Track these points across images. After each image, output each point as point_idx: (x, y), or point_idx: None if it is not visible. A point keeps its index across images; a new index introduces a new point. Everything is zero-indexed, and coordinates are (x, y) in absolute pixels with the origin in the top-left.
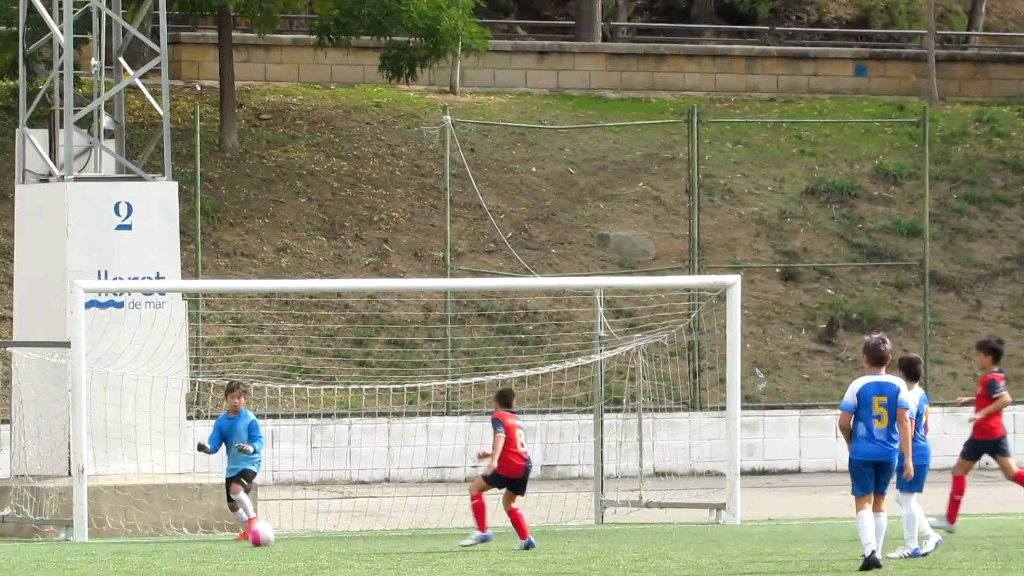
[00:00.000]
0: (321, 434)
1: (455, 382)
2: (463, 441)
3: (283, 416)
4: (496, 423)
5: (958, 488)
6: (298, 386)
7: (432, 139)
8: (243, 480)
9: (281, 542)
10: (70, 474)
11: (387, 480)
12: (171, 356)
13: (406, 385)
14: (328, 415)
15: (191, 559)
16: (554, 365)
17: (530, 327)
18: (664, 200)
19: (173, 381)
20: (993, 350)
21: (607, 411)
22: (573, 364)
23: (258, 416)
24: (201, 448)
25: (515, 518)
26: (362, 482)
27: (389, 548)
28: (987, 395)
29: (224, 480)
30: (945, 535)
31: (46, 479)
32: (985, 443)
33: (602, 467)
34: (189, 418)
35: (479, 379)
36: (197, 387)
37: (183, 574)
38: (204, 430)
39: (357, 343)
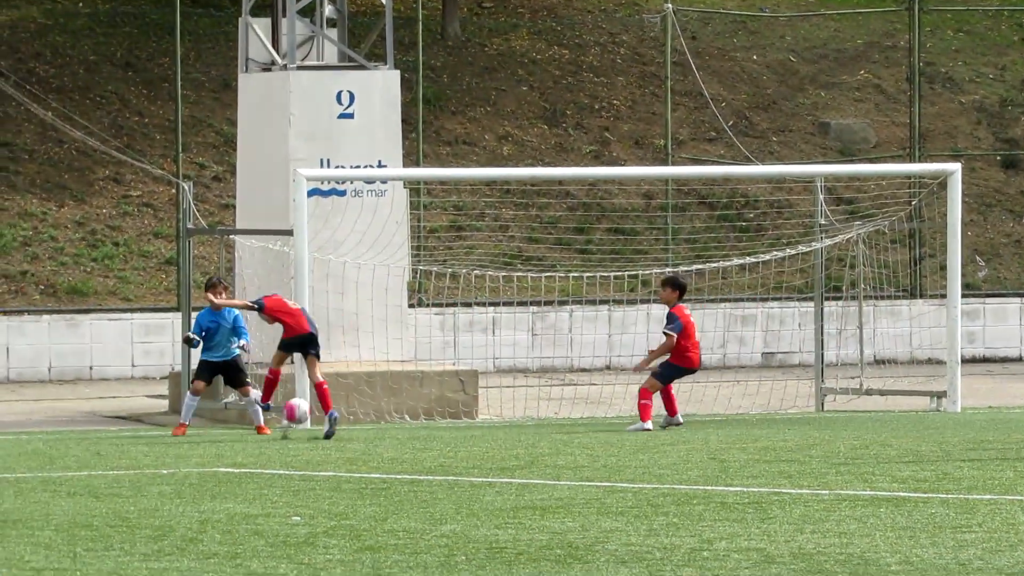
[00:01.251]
0: (542, 322)
1: (675, 270)
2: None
3: (504, 304)
4: (673, 319)
5: None
6: (519, 274)
7: (653, 27)
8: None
9: (502, 429)
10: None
11: (608, 368)
12: (392, 244)
13: (627, 272)
14: (549, 303)
15: (412, 446)
16: (775, 253)
17: (750, 215)
18: (885, 88)
19: (394, 269)
20: None
21: (827, 299)
22: (793, 252)
23: (479, 304)
24: (188, 341)
25: (671, 398)
26: (583, 369)
27: (610, 436)
28: None
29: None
30: None
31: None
32: None
33: (822, 355)
34: (411, 306)
35: (699, 267)
36: (418, 275)
37: (404, 461)
38: (425, 318)
39: (578, 231)
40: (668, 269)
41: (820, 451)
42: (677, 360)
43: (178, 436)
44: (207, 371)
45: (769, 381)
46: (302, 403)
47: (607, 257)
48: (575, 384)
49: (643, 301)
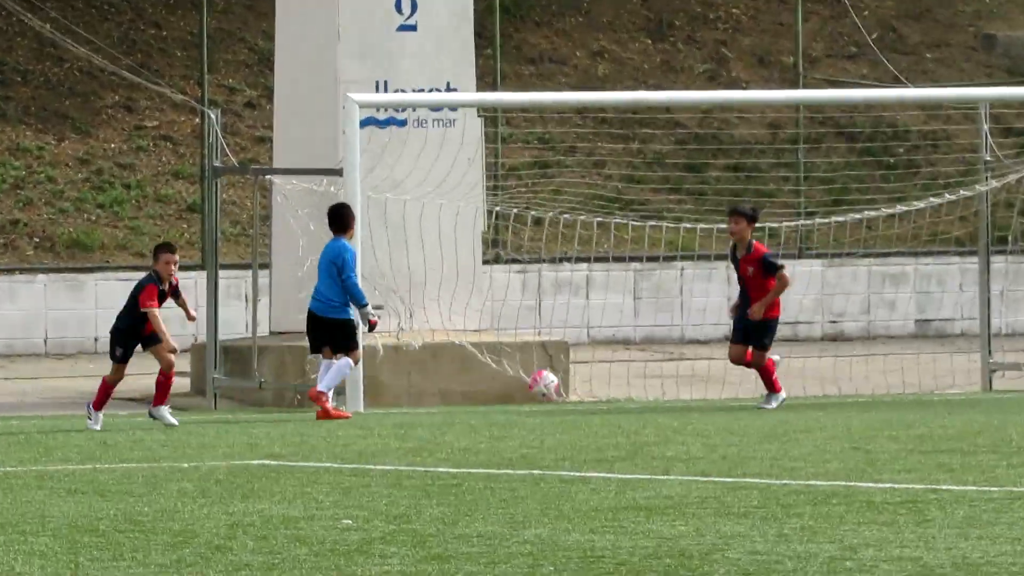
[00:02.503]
0: (646, 281)
1: (809, 221)
2: (817, 290)
3: (600, 259)
4: (769, 255)
5: None
6: (618, 221)
7: None
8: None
9: (598, 413)
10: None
11: (726, 338)
12: (464, 185)
13: None
14: (654, 258)
15: (488, 434)
16: (930, 198)
17: (900, 149)
18: None
19: (466, 216)
20: None
21: (995, 253)
22: (953, 196)
23: (568, 259)
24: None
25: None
26: (696, 340)
27: (730, 420)
28: None
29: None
30: None
31: None
32: None
33: (989, 321)
34: (486, 262)
35: (839, 218)
36: (495, 223)
37: (479, 451)
38: (503, 276)
39: (689, 169)
40: (800, 219)
41: (988, 439)
42: (773, 312)
43: (339, 419)
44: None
45: (927, 354)
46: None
47: (725, 201)
48: (687, 358)
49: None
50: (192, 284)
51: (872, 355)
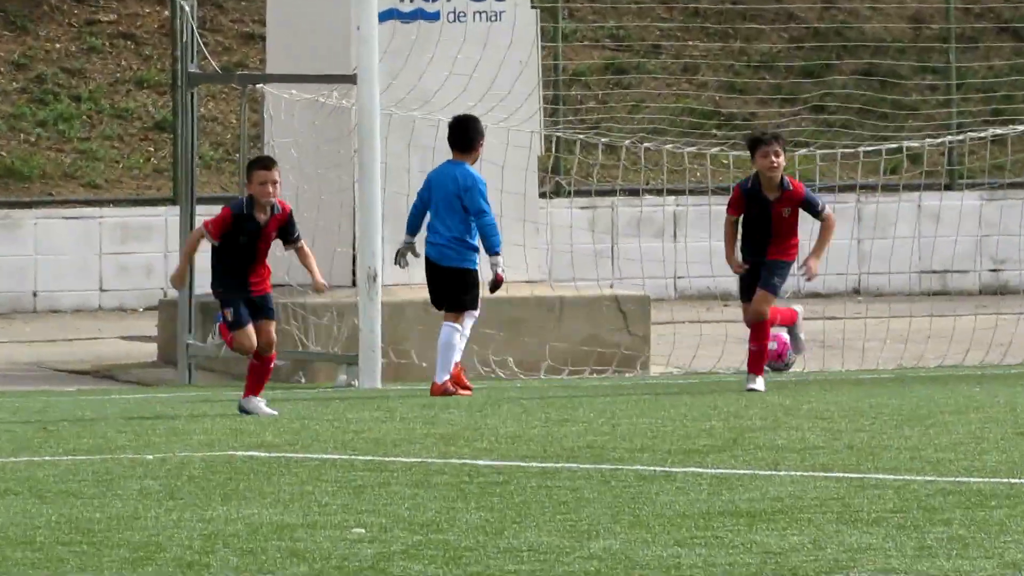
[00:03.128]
0: None
1: (961, 138)
2: (972, 230)
3: (691, 192)
4: (811, 192)
5: None
6: (715, 146)
7: None
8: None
9: (687, 389)
10: (355, 284)
11: (856, 292)
12: (514, 97)
13: (885, 144)
14: None
15: (544, 416)
16: None
17: None
18: None
19: (518, 138)
20: None
21: None
22: None
23: (650, 192)
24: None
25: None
26: (817, 294)
27: (858, 398)
28: None
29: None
30: None
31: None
32: None
33: None
34: (542, 195)
35: (999, 131)
36: (555, 146)
37: (531, 440)
38: (565, 214)
39: (807, 74)
40: (948, 137)
41: None
42: (785, 254)
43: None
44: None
45: None
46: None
47: (853, 119)
48: (805, 318)
49: (910, 187)
50: (162, 223)
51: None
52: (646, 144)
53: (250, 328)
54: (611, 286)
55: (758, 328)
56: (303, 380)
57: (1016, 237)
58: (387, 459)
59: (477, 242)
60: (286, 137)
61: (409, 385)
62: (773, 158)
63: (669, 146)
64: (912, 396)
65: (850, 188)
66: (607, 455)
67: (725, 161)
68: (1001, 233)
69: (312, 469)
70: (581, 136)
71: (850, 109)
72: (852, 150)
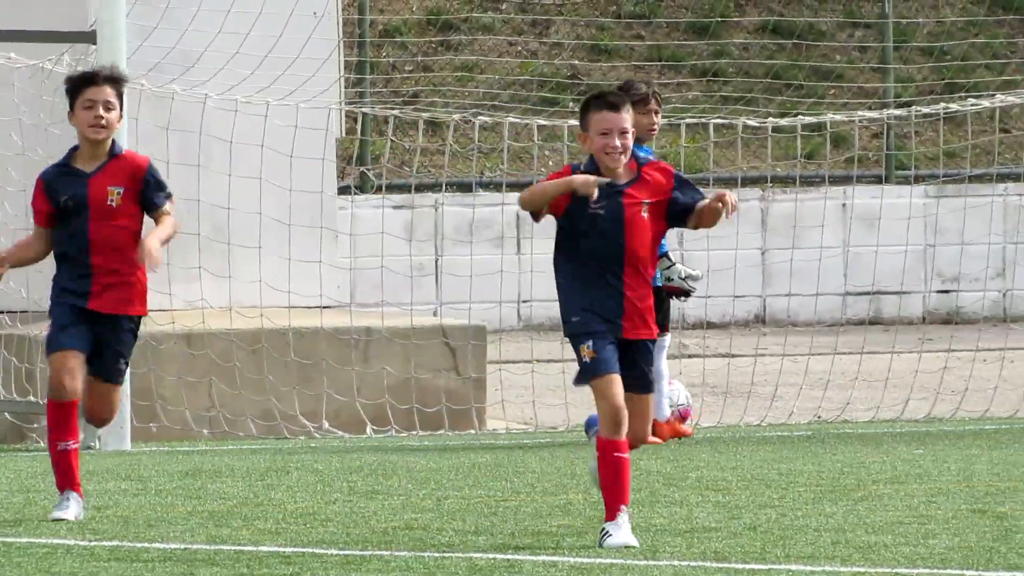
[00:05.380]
0: None
1: (903, 112)
2: (917, 236)
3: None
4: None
5: None
6: (576, 123)
7: None
8: None
9: (534, 451)
10: None
11: (761, 322)
12: (305, 62)
13: (801, 115)
14: None
15: (346, 485)
16: None
17: None
18: None
19: (310, 116)
20: None
21: None
22: None
23: (485, 186)
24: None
25: None
26: (711, 324)
27: (745, 457)
28: None
29: None
30: None
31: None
32: None
33: None
34: (342, 192)
35: (951, 108)
36: (361, 127)
37: (331, 519)
38: (373, 215)
39: (700, 31)
40: (886, 113)
41: None
42: None
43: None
44: None
45: None
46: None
47: (757, 90)
48: (686, 355)
49: (836, 179)
50: None
51: (1005, 348)
52: (482, 118)
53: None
54: (435, 313)
55: None
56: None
57: (974, 247)
58: (139, 545)
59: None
60: (5, 116)
61: (168, 445)
62: (651, 117)
63: (512, 119)
64: (835, 460)
65: (754, 180)
66: (431, 540)
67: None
68: (954, 242)
69: (39, 559)
70: (395, 112)
71: (754, 77)
72: (758, 125)
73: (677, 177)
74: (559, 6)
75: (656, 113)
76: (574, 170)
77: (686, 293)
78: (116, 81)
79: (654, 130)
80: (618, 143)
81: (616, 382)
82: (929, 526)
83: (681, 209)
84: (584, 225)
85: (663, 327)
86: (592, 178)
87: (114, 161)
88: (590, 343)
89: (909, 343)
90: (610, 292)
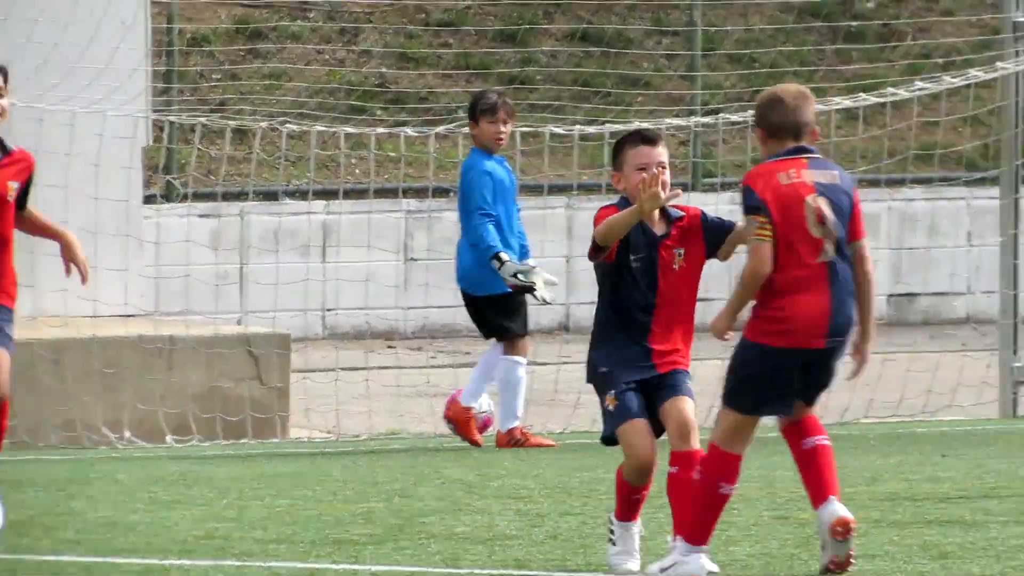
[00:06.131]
0: (429, 231)
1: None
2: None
3: (350, 194)
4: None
5: None
6: (384, 132)
7: None
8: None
9: (338, 458)
10: None
11: (564, 328)
12: (113, 72)
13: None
14: (443, 191)
15: (147, 495)
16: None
17: (869, 3)
18: None
19: (117, 124)
20: None
21: None
22: (950, 82)
23: (290, 193)
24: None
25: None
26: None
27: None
28: None
29: None
30: None
31: None
32: None
33: (1015, 303)
34: (148, 200)
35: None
36: (167, 135)
37: (136, 527)
38: (180, 224)
39: (508, 39)
40: (693, 120)
41: (1007, 503)
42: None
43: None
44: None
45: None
46: None
47: (565, 98)
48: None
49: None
50: None
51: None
52: (289, 126)
53: None
54: (239, 321)
55: None
56: None
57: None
58: None
59: None
60: None
61: None
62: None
63: (319, 127)
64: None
65: (561, 188)
66: (232, 548)
67: (394, 152)
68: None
69: None
70: (202, 120)
71: (561, 84)
72: (565, 133)
73: (703, 213)
74: (367, 14)
75: (505, 123)
76: (619, 207)
77: (530, 290)
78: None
79: (501, 139)
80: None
81: (641, 428)
82: (730, 532)
83: (715, 232)
84: (624, 273)
85: (517, 334)
86: (658, 191)
87: (10, 156)
88: (613, 392)
89: (714, 349)
90: (640, 344)
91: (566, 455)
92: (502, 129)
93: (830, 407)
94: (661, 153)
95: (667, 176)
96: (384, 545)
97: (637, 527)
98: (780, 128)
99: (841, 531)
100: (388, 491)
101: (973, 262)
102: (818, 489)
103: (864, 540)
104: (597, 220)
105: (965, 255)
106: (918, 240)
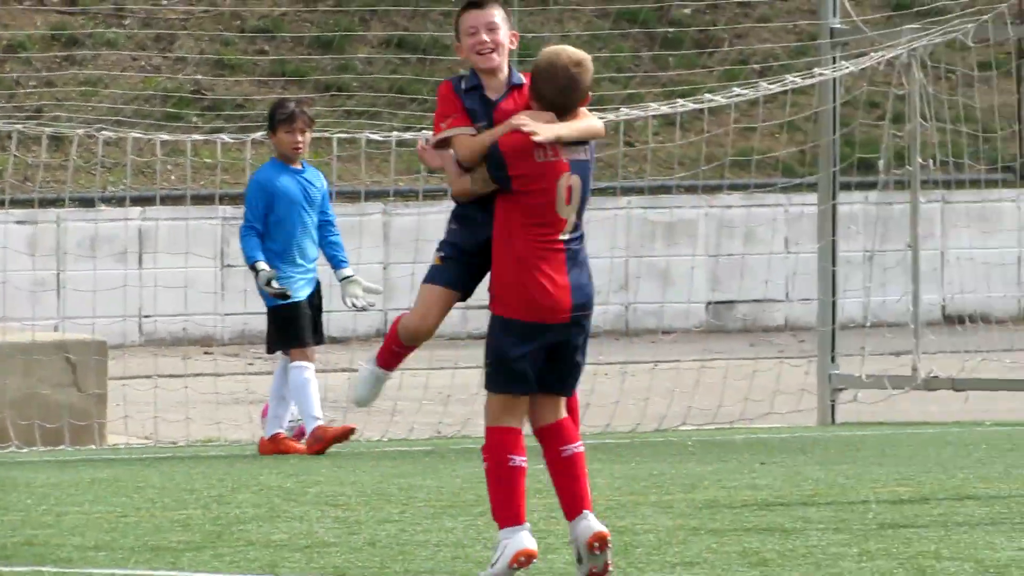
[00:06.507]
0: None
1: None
2: None
3: (171, 200)
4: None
5: None
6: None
7: None
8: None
9: (154, 465)
10: None
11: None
12: None
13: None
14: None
15: None
16: (739, 91)
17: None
18: None
19: None
20: None
21: (848, 188)
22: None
23: (106, 200)
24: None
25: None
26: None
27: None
28: None
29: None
30: None
31: None
32: None
33: (834, 310)
34: None
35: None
36: None
37: None
38: None
39: (324, 46)
40: None
41: (827, 509)
42: None
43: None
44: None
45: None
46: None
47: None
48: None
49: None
50: None
51: (627, 362)
52: (106, 133)
53: None
54: (56, 328)
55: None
56: None
57: (598, 260)
58: None
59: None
60: None
61: None
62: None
63: (135, 133)
64: (455, 475)
65: (377, 195)
66: (50, 555)
67: (210, 159)
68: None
69: None
70: (18, 127)
71: (377, 91)
72: (382, 139)
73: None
74: (183, 21)
75: (303, 132)
76: (454, 84)
77: (285, 296)
78: None
79: (299, 148)
80: (486, 38)
81: (436, 295)
82: (549, 540)
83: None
84: None
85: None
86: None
87: None
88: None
89: None
90: None
91: (384, 462)
92: (299, 139)
93: (648, 414)
94: (491, 14)
95: (499, 36)
96: (203, 552)
97: None
98: (558, 95)
99: (598, 545)
100: (206, 498)
101: (791, 269)
102: (574, 501)
103: (683, 548)
104: (440, 115)
105: (783, 262)
106: (735, 247)
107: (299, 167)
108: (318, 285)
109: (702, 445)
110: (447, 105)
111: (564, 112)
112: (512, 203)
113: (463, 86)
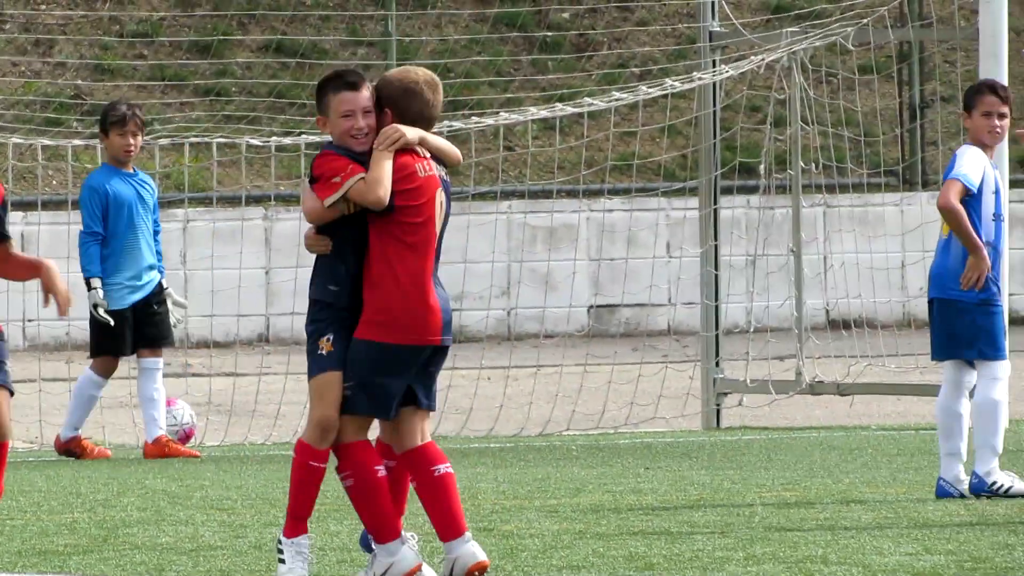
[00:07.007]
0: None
1: None
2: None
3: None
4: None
5: None
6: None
7: None
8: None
9: (40, 468)
10: None
11: (264, 339)
12: None
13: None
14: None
15: None
16: (621, 95)
17: (564, 13)
18: None
19: None
20: None
21: (729, 192)
22: (656, 88)
23: None
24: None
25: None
26: (198, 345)
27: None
28: None
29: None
30: None
31: None
32: None
33: (717, 313)
34: None
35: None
36: None
37: None
38: None
39: (203, 51)
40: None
41: (715, 513)
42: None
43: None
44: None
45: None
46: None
47: (260, 109)
48: (194, 373)
49: None
50: None
51: (510, 366)
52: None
53: None
54: None
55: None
56: None
57: (478, 265)
58: None
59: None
60: None
61: None
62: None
63: (15, 139)
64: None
65: (258, 199)
66: None
67: (91, 163)
68: (457, 260)
69: None
70: None
71: (257, 96)
72: (262, 144)
73: None
74: (62, 26)
75: (135, 135)
76: (334, 149)
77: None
78: None
79: (130, 151)
80: (363, 124)
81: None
82: (435, 544)
83: None
84: None
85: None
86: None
87: None
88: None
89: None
90: None
91: (268, 466)
92: (131, 141)
93: (532, 418)
94: (365, 97)
95: (373, 120)
96: (89, 555)
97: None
98: (419, 118)
99: (479, 573)
100: (92, 501)
101: (673, 273)
102: (453, 521)
103: (569, 552)
104: (331, 172)
105: (665, 266)
106: (617, 251)
107: (131, 171)
108: (159, 286)
109: (586, 449)
110: (336, 160)
111: (427, 127)
112: (393, 224)
113: (339, 152)
